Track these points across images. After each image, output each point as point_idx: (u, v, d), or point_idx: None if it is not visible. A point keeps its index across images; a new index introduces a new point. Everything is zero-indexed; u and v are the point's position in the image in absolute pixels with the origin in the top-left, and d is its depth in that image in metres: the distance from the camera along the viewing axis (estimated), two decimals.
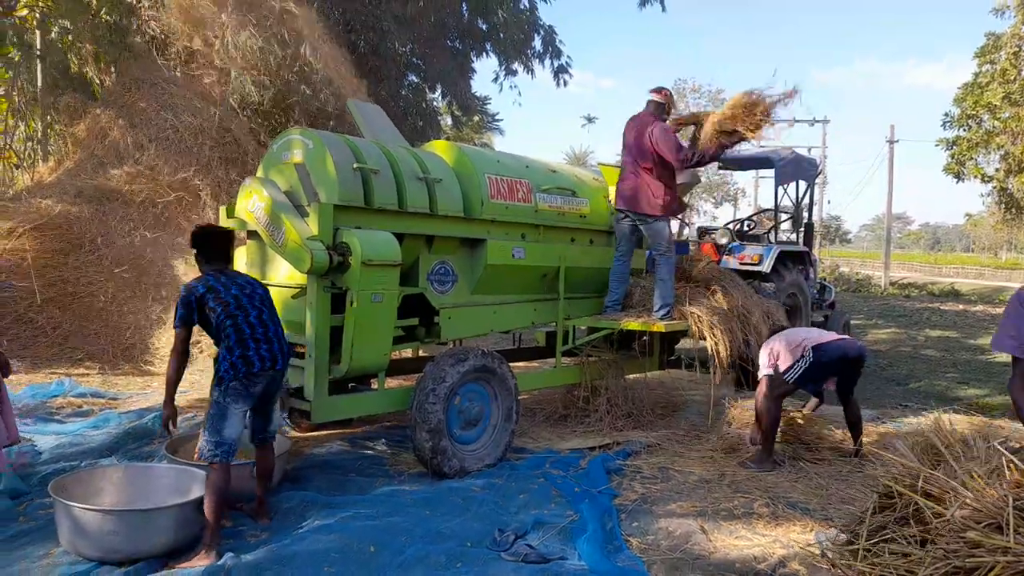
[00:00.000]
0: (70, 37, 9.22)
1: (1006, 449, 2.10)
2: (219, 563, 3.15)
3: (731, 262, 7.56)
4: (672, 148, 5.53)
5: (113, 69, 10.14)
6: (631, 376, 6.60)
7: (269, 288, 4.71)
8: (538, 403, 6.58)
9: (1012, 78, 17.13)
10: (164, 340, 7.79)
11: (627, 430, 5.82)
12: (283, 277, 4.63)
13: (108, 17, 9.64)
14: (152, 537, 3.25)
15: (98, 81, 10.10)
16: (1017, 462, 1.97)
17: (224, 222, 4.96)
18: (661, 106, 5.80)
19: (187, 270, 8.43)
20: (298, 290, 4.47)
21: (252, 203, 4.49)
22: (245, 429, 3.65)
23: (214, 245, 3.70)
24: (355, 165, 4.46)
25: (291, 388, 4.31)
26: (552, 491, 4.35)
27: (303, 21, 9.97)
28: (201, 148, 9.45)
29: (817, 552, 2.80)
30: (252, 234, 4.86)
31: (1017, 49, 17.53)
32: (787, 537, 3.73)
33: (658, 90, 5.89)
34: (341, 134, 5.09)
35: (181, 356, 3.49)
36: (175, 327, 3.52)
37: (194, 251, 3.73)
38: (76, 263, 8.20)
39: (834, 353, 5.04)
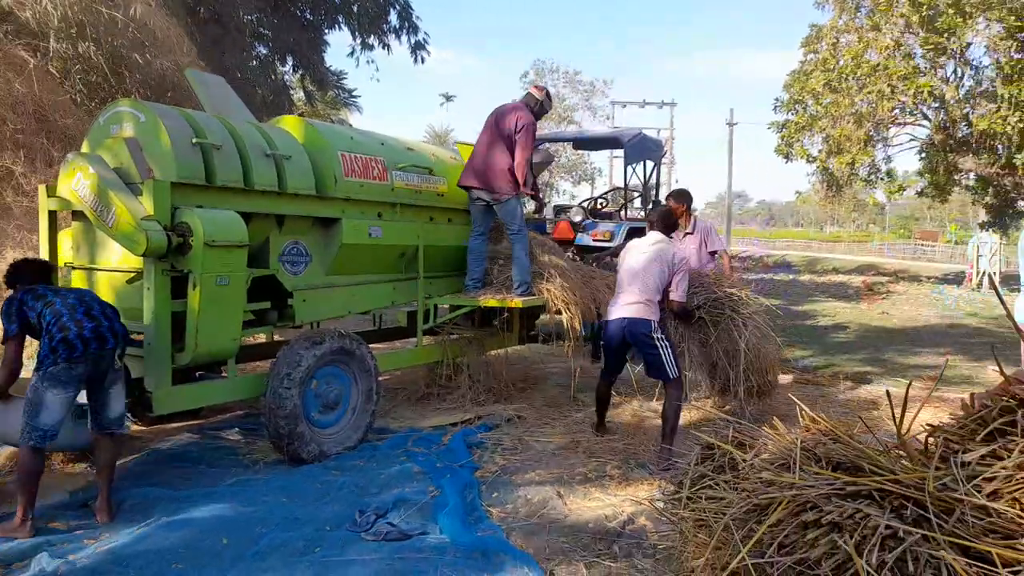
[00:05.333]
0: None
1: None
2: (49, 570, 2.92)
3: (585, 239, 7.85)
4: (525, 147, 5.69)
5: None
6: (492, 352, 6.72)
7: (100, 272, 4.39)
8: (400, 383, 6.56)
9: (832, 67, 18.81)
10: None
11: (488, 404, 5.94)
12: (116, 261, 4.30)
13: None
14: None
15: None
16: (807, 409, 2.24)
17: (44, 202, 4.53)
18: (538, 102, 5.96)
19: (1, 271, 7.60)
20: (133, 274, 4.17)
21: (76, 181, 4.11)
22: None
23: (30, 273, 3.69)
24: (194, 140, 4.19)
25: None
26: (414, 469, 4.37)
27: None
28: (15, 123, 8.48)
29: (659, 506, 3.01)
30: (78, 215, 4.46)
31: (836, 40, 19.28)
32: (636, 495, 3.97)
33: (539, 87, 6.09)
34: (177, 107, 4.76)
35: (13, 370, 3.49)
36: (2, 341, 3.44)
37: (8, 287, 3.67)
38: None
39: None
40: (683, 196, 6.21)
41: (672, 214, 5.27)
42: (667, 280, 4.75)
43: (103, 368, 3.54)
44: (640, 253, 4.84)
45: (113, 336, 3.55)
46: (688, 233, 6.15)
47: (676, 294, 4.79)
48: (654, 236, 4.95)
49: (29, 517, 3.31)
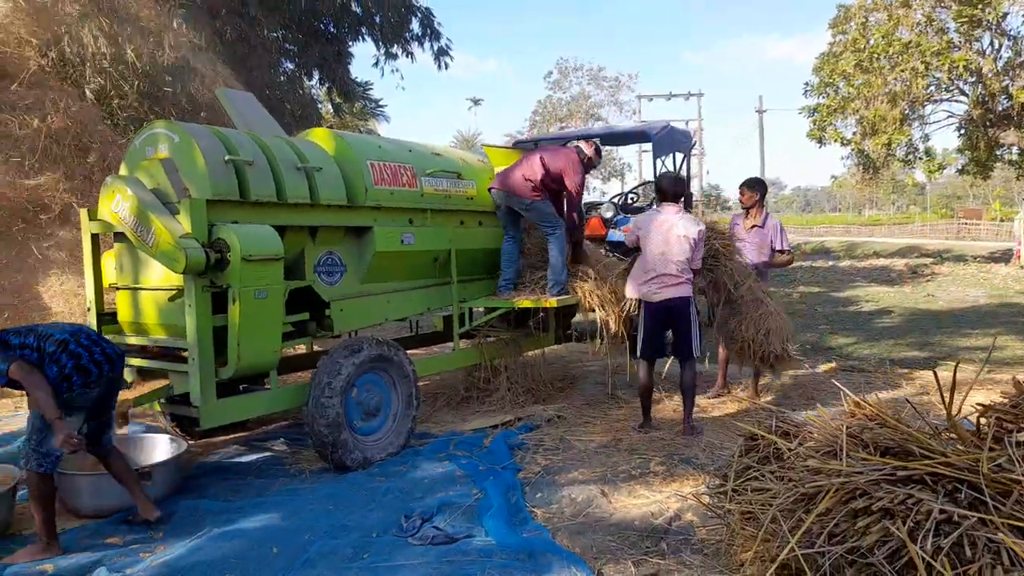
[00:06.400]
0: None
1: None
2: None
3: (617, 234, 7.81)
4: (576, 184, 5.70)
5: None
6: (529, 353, 6.72)
7: (143, 292, 4.50)
8: (440, 387, 6.59)
9: (862, 47, 18.42)
10: None
11: (528, 405, 5.93)
12: (157, 279, 4.40)
13: None
14: None
15: None
16: (851, 394, 2.18)
17: (86, 226, 4.66)
18: (587, 156, 5.87)
19: (52, 298, 7.84)
20: (175, 292, 4.26)
21: (116, 203, 4.22)
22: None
23: None
24: (227, 157, 4.28)
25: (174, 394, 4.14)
26: (457, 472, 4.38)
27: (159, 11, 9.38)
28: (57, 150, 8.73)
29: (706, 501, 2.97)
30: (119, 236, 4.58)
31: (865, 20, 18.88)
32: (681, 491, 3.93)
33: (589, 142, 6.02)
34: (210, 125, 4.86)
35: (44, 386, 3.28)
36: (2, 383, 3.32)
37: None
38: None
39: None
40: (757, 185, 6.04)
41: (681, 181, 5.47)
42: (691, 253, 5.06)
43: (115, 388, 3.63)
44: (667, 231, 5.05)
45: (119, 357, 3.62)
46: (757, 226, 5.96)
47: (695, 264, 5.13)
48: (671, 209, 5.15)
49: (51, 540, 3.31)
